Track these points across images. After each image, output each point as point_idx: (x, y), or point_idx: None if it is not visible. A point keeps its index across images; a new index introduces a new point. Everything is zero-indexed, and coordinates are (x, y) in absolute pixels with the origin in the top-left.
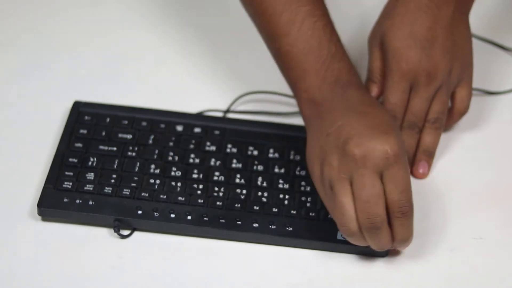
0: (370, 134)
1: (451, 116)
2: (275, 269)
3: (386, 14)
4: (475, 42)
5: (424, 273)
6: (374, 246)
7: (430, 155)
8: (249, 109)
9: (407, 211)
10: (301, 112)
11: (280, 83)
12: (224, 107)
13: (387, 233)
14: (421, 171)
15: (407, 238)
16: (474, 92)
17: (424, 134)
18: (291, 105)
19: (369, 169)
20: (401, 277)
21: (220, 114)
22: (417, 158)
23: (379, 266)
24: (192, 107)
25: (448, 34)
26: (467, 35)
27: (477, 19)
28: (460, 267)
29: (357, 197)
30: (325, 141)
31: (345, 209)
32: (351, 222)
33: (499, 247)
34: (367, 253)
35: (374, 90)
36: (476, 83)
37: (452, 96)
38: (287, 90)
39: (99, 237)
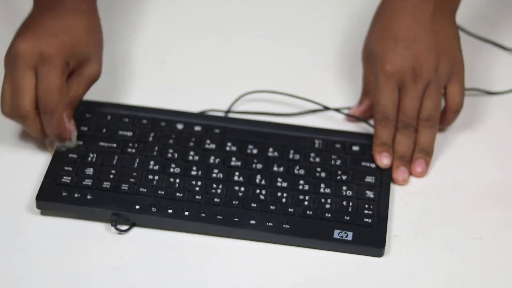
0: (40, 34)
1: (445, 115)
2: (273, 267)
3: (370, 28)
4: (475, 42)
5: (424, 273)
6: (28, 131)
7: (427, 154)
8: (250, 109)
9: (49, 109)
10: None
11: (281, 83)
12: (225, 107)
13: (32, 124)
14: (419, 169)
15: (54, 132)
16: (474, 92)
17: (419, 133)
18: (291, 105)
19: (22, 63)
20: (401, 277)
21: (221, 114)
22: (415, 157)
23: (379, 266)
24: (193, 108)
25: (430, 32)
26: (453, 32)
27: (477, 19)
28: (460, 267)
29: (11, 86)
30: None
31: (4, 93)
32: (4, 106)
33: (499, 247)
34: (363, 253)
35: (365, 102)
36: (476, 83)
37: (444, 94)
38: (287, 89)
39: (98, 232)
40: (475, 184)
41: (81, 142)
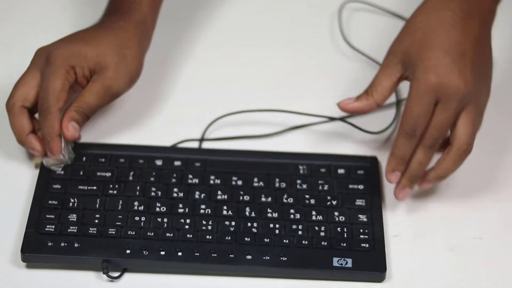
0: (62, 39)
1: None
2: None
3: (405, 33)
4: None
5: (424, 273)
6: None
7: (441, 179)
8: (225, 134)
9: (43, 110)
10: None
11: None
12: (198, 134)
13: (12, 120)
14: (422, 188)
15: (46, 137)
16: None
17: (448, 156)
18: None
19: (32, 62)
20: (401, 277)
21: (196, 143)
22: (429, 177)
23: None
24: (164, 139)
25: (476, 51)
26: (491, 56)
27: None
28: (460, 267)
29: None
30: None
31: None
32: None
33: (499, 247)
34: (365, 279)
35: (363, 101)
36: None
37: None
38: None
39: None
40: (475, 184)
41: (71, 157)
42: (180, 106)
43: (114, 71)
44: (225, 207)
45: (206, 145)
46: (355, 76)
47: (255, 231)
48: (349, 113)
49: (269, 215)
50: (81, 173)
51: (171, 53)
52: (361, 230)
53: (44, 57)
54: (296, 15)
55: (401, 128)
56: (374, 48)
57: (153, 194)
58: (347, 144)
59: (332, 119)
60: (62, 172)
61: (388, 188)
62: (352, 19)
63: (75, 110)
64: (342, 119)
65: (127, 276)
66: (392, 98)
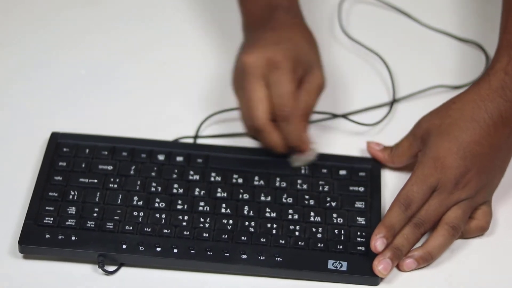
0: (263, 44)
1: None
2: None
3: (438, 113)
4: (470, 46)
5: (424, 273)
6: (267, 147)
7: (428, 260)
8: (220, 131)
9: (287, 115)
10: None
11: None
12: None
13: (271, 135)
14: (407, 269)
15: (295, 140)
16: None
17: (437, 234)
18: None
19: (251, 75)
20: (402, 277)
21: (190, 141)
22: (416, 255)
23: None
24: (165, 135)
25: (493, 157)
26: (505, 165)
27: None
28: (460, 267)
29: (243, 102)
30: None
31: (240, 112)
32: (243, 124)
33: (500, 247)
34: (359, 282)
35: (387, 153)
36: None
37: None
38: None
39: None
40: None
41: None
42: (180, 104)
43: (318, 70)
44: (224, 205)
45: (206, 141)
46: (354, 69)
47: (252, 230)
48: (370, 155)
49: (267, 214)
50: (83, 165)
51: (170, 52)
52: (359, 233)
53: (264, 64)
54: None
55: (397, 198)
56: (374, 40)
57: (153, 189)
58: (349, 142)
59: (334, 116)
60: (65, 164)
61: (389, 192)
62: (351, 11)
63: (305, 120)
64: (344, 116)
65: (123, 270)
66: (406, 92)
